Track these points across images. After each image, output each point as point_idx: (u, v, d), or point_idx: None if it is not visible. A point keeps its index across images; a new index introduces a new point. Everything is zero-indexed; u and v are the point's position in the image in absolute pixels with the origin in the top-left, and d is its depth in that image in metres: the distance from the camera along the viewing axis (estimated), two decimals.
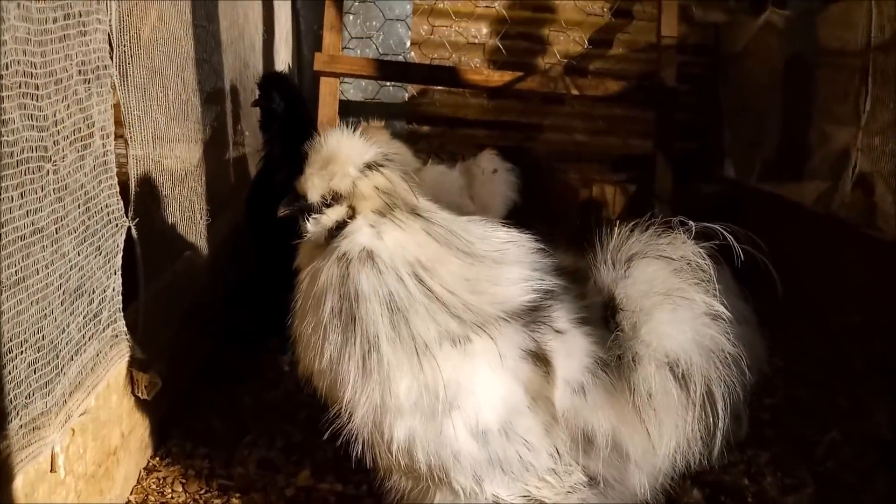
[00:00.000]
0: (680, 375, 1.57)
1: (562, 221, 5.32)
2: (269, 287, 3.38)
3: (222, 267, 3.35)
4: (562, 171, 6.19)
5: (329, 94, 5.37)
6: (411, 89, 6.35)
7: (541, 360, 1.56)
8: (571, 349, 1.58)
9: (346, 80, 5.82)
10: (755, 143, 5.68)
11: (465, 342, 1.51)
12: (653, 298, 1.58)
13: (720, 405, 1.57)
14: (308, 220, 1.61)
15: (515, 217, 4.62)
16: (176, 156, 2.60)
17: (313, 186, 1.58)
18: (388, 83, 6.16)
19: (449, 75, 5.69)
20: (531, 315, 1.57)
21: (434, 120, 6.41)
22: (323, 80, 5.28)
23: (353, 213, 1.58)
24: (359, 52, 6.16)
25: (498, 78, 5.54)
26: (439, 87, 6.21)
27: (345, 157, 1.57)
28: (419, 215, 1.61)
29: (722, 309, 1.58)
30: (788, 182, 5.30)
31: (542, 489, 1.56)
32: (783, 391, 3.26)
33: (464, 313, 1.52)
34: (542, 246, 1.69)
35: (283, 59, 5.19)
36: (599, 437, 1.57)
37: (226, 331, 3.43)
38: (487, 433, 1.54)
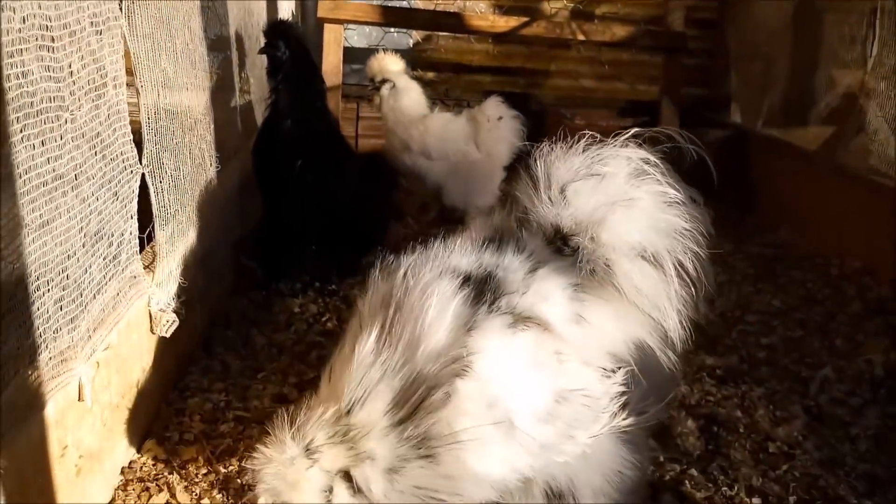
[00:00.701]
0: (651, 258, 1.69)
1: None
2: (278, 234, 3.49)
3: (232, 213, 3.44)
4: (567, 117, 6.21)
5: (333, 42, 5.38)
6: (416, 35, 6.33)
7: (526, 319, 1.58)
8: (545, 295, 1.62)
9: (350, 26, 5.81)
10: (762, 88, 5.66)
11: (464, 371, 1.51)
12: (600, 210, 1.67)
13: (692, 270, 1.71)
14: None
15: (523, 161, 4.66)
16: (184, 104, 2.66)
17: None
18: (392, 29, 6.14)
19: (454, 21, 5.68)
20: (486, 303, 1.58)
21: (439, 66, 6.41)
22: (327, 27, 5.28)
23: (346, 474, 1.58)
24: None
25: (503, 23, 5.53)
26: (444, 33, 6.19)
27: (291, 469, 1.56)
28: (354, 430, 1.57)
29: (667, 191, 1.69)
30: (794, 127, 5.31)
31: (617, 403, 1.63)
32: (781, 332, 3.35)
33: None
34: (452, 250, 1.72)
35: (287, 7, 5.17)
36: (621, 346, 1.66)
37: (237, 276, 3.54)
38: (549, 413, 1.56)
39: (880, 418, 2.66)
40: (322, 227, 3.40)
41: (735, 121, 5.99)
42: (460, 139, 4.49)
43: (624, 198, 1.68)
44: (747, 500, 2.19)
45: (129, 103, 2.13)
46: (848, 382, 2.89)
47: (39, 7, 1.60)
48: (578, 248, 1.71)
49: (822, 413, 2.70)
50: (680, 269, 1.70)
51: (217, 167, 3.05)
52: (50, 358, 1.66)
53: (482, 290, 1.61)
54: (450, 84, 6.44)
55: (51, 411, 1.68)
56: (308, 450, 1.57)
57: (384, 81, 4.42)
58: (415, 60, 6.28)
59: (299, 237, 3.45)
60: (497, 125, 4.46)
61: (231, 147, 3.43)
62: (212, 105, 3.02)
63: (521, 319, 1.59)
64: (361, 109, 5.96)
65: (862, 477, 2.33)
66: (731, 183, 5.25)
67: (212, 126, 3.00)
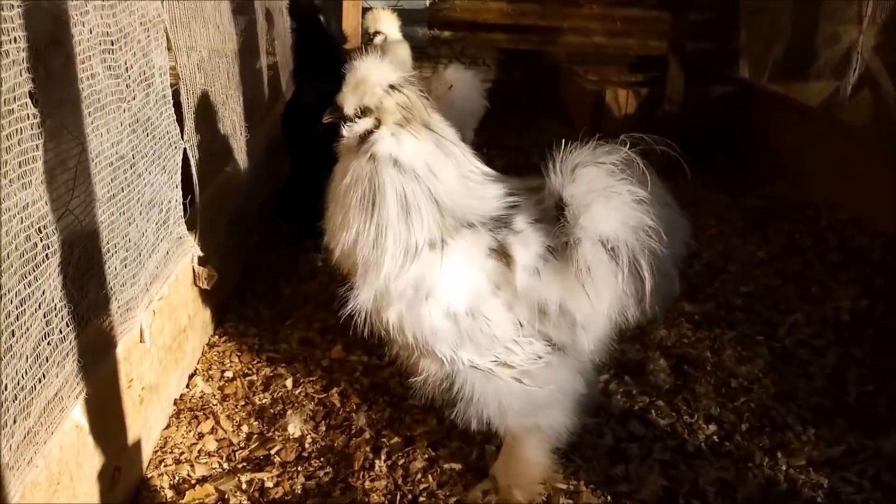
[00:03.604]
0: (610, 249, 1.97)
1: (577, 123, 5.61)
2: (304, 194, 3.83)
3: (261, 176, 3.79)
4: (579, 74, 6.42)
5: (352, 6, 5.66)
6: None
7: (503, 254, 1.95)
8: (527, 242, 1.98)
9: None
10: (768, 42, 5.81)
11: (442, 245, 1.91)
12: (591, 195, 1.96)
13: (646, 268, 1.97)
14: (344, 127, 1.97)
15: (536, 118, 4.85)
16: (217, 84, 3.00)
17: (349, 102, 1.95)
18: None
19: None
20: (496, 222, 1.97)
21: (455, 25, 6.63)
22: None
23: (378, 124, 1.94)
24: None
25: None
26: None
27: (374, 79, 1.93)
28: (430, 129, 1.98)
29: (644, 195, 1.95)
30: (796, 82, 5.48)
31: (509, 354, 2.00)
32: (760, 281, 3.63)
33: (449, 216, 1.92)
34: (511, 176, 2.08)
35: None
36: (551, 306, 1.98)
37: (266, 233, 3.91)
38: (457, 314, 1.95)
39: (838, 358, 2.97)
40: None
41: (743, 76, 6.15)
42: None
43: (611, 190, 1.97)
44: (704, 426, 2.54)
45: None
46: (814, 326, 3.18)
47: (101, 17, 1.93)
48: (566, 219, 2.01)
49: (786, 353, 3.01)
50: (635, 266, 1.97)
51: (246, 136, 3.39)
52: (118, 307, 2.04)
53: (505, 212, 1.99)
54: (465, 42, 6.66)
55: (120, 350, 2.07)
56: (391, 87, 1.94)
57: (377, 33, 4.68)
58: (431, 20, 6.51)
59: (322, 196, 3.79)
60: (446, 94, 4.53)
61: (258, 116, 3.76)
62: (240, 81, 3.35)
63: (499, 250, 1.97)
64: None
65: (811, 408, 2.66)
66: (733, 138, 5.51)
67: (241, 100, 3.34)
